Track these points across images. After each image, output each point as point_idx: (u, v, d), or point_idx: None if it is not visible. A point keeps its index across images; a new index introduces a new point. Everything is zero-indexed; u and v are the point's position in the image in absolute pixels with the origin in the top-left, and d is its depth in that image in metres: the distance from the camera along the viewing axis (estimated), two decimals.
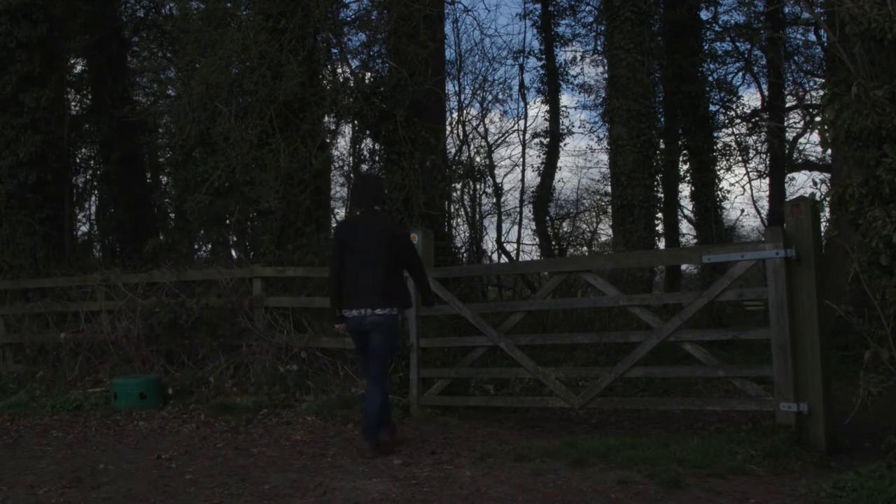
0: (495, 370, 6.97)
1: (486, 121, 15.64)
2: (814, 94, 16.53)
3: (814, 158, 18.39)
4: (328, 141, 10.09)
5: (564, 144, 17.84)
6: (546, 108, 17.57)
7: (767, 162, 17.22)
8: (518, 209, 17.59)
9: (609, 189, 13.35)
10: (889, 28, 4.46)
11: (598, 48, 16.35)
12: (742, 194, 18.52)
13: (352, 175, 10.87)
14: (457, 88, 17.76)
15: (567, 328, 9.11)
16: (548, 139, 17.47)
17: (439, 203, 9.95)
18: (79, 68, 14.08)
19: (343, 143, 12.39)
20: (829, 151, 11.32)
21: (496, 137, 18.15)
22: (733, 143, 16.81)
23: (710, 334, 6.62)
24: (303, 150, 8.67)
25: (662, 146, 13.81)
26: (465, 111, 12.86)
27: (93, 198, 14.80)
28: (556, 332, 9.00)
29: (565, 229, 18.90)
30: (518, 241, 17.26)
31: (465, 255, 12.50)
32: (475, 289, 10.02)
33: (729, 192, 15.92)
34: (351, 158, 11.08)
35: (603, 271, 9.43)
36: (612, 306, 7.67)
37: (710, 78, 15.77)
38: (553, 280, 6.77)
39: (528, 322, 9.33)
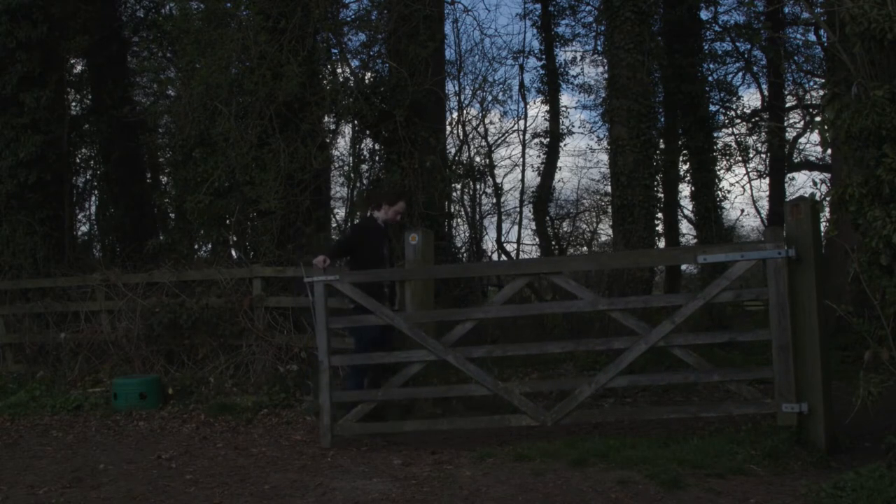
0: (440, 388, 6.02)
1: (486, 121, 15.58)
2: (814, 94, 16.51)
3: (814, 158, 18.37)
4: (328, 141, 10.08)
5: (564, 144, 17.80)
6: (546, 108, 17.54)
7: (767, 162, 17.20)
8: (518, 209, 17.58)
9: (609, 189, 13.33)
10: (889, 28, 4.45)
11: (598, 48, 16.32)
12: (742, 194, 18.44)
13: (352, 175, 10.86)
14: (457, 88, 17.71)
15: (568, 331, 9.04)
16: (548, 139, 17.45)
17: (439, 203, 9.95)
18: (79, 68, 14.06)
19: (343, 143, 12.37)
20: (829, 151, 11.32)
21: (496, 137, 18.10)
22: (733, 143, 16.79)
23: (704, 337, 6.11)
24: (303, 150, 8.67)
25: (662, 146, 13.80)
26: (465, 111, 12.81)
27: (93, 198, 14.78)
28: (555, 334, 8.89)
29: (565, 229, 18.88)
30: (518, 241, 17.24)
31: (465, 255, 12.48)
32: (475, 290, 10.01)
33: (729, 192, 15.88)
34: (351, 158, 11.08)
35: (602, 272, 9.37)
36: (591, 310, 6.95)
37: (710, 78, 15.75)
38: (516, 283, 6.00)
39: (528, 324, 9.31)
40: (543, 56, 17.40)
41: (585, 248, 18.55)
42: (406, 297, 6.33)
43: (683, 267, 14.74)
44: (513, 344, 7.12)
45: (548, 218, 17.23)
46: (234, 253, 9.33)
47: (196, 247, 10.35)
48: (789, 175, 18.52)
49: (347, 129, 11.14)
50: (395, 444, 5.78)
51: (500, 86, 17.48)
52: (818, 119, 5.42)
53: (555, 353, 7.81)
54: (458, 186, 12.35)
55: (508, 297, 6.03)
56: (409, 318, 5.85)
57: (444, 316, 6.20)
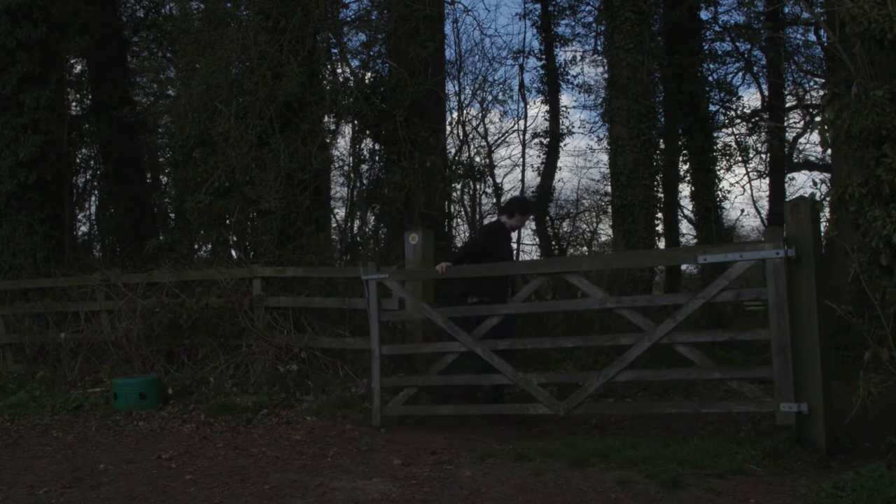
0: (470, 377, 6.47)
1: (486, 121, 15.60)
2: (814, 94, 16.50)
3: (814, 158, 18.36)
4: (328, 141, 10.09)
5: (564, 144, 17.79)
6: (546, 108, 17.54)
7: (767, 162, 17.19)
8: None
9: (609, 189, 13.32)
10: (889, 28, 4.46)
11: (598, 48, 16.32)
12: (742, 194, 18.46)
13: (352, 175, 10.86)
14: (457, 88, 17.71)
15: (568, 330, 9.05)
16: (548, 139, 17.45)
17: (439, 203, 9.95)
18: (79, 68, 14.07)
19: (343, 143, 12.38)
20: (829, 151, 11.32)
21: (496, 137, 18.10)
22: (733, 143, 16.78)
23: (706, 335, 6.20)
24: (303, 150, 8.67)
25: (662, 146, 13.79)
26: (465, 111, 12.82)
27: (93, 198, 14.79)
28: (554, 334, 8.89)
29: (565, 229, 18.87)
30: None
31: None
32: None
33: (729, 192, 15.88)
34: (351, 158, 11.08)
35: (602, 272, 9.39)
36: (600, 308, 7.12)
37: (710, 78, 15.74)
38: (534, 282, 6.26)
39: (529, 323, 9.31)
40: (543, 56, 17.40)
41: (585, 248, 18.53)
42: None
43: (683, 267, 14.74)
44: (530, 338, 7.43)
45: (548, 218, 17.22)
46: (234, 253, 9.32)
47: (196, 247, 10.36)
48: (789, 175, 18.52)
49: (347, 129, 11.16)
50: (395, 443, 5.78)
51: (500, 86, 17.45)
52: (818, 119, 5.42)
53: (556, 352, 8.19)
54: (458, 186, 12.36)
55: (528, 295, 6.37)
56: (443, 312, 6.31)
57: (474, 311, 6.52)
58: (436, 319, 6.27)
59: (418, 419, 6.49)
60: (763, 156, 17.39)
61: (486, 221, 14.30)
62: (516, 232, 11.48)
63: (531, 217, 7.18)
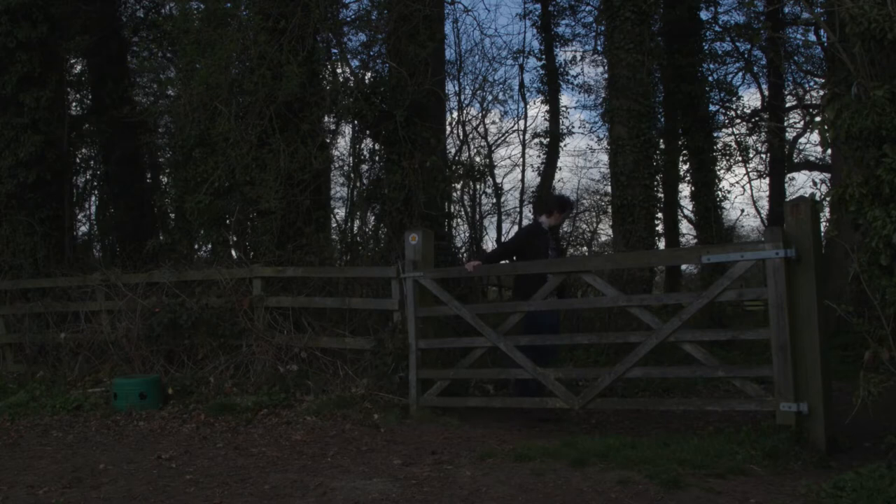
0: (494, 371, 6.85)
1: (486, 121, 15.64)
2: (814, 94, 16.56)
3: (814, 158, 18.42)
4: (328, 141, 10.08)
5: (564, 144, 17.85)
6: (546, 108, 17.59)
7: (767, 162, 17.23)
8: (518, 209, 17.60)
9: (609, 189, 13.35)
10: (889, 28, 4.46)
11: (598, 48, 16.35)
12: (742, 194, 18.56)
13: (352, 175, 10.87)
14: (457, 88, 17.76)
15: (567, 328, 9.10)
16: (548, 139, 17.48)
17: (439, 203, 9.94)
18: (79, 68, 14.08)
19: (343, 143, 12.41)
20: (829, 151, 11.32)
21: (496, 137, 18.16)
22: (733, 143, 16.82)
23: (710, 334, 6.46)
24: (303, 150, 8.67)
25: (662, 146, 13.81)
26: (465, 111, 12.87)
27: (93, 198, 14.83)
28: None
29: (565, 229, 18.90)
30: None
31: (465, 255, 12.50)
32: (475, 289, 10.02)
33: (729, 192, 15.93)
34: (351, 158, 11.08)
35: (602, 272, 9.47)
36: (611, 307, 7.64)
37: (710, 78, 15.77)
38: (552, 281, 6.54)
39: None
40: (543, 56, 17.43)
41: (585, 248, 18.58)
42: (408, 297, 6.82)
43: (683, 267, 14.77)
44: (548, 335, 7.59)
45: None
46: (234, 253, 9.32)
47: (196, 247, 10.35)
48: (789, 175, 18.57)
49: (347, 129, 11.16)
50: (395, 443, 5.79)
51: (500, 86, 17.57)
52: (818, 119, 5.43)
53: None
54: (458, 186, 12.37)
55: (548, 292, 6.57)
56: (471, 309, 6.67)
57: (499, 308, 7.07)
58: (465, 316, 6.61)
59: (420, 418, 6.51)
60: (763, 156, 17.44)
61: (486, 222, 14.34)
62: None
63: (569, 211, 7.45)
